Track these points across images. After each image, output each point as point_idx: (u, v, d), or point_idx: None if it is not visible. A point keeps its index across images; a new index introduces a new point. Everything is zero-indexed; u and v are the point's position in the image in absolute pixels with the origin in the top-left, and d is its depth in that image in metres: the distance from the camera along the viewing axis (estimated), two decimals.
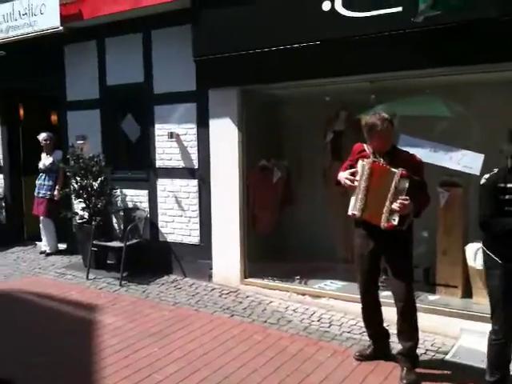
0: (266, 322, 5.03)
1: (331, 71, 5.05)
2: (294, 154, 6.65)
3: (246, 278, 6.04)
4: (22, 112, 8.76)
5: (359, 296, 4.12)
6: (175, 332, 4.78)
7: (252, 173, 6.19)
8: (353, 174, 3.87)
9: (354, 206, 3.85)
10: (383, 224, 3.70)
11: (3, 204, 8.69)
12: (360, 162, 3.83)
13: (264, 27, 5.32)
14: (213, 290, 6.04)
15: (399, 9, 4.49)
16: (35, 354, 4.35)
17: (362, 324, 4.76)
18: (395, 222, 3.67)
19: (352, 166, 3.95)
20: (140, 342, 4.54)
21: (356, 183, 3.82)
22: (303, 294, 5.58)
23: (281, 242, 6.53)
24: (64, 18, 6.81)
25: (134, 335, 4.71)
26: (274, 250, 6.37)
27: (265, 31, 5.31)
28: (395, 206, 3.63)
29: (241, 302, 5.59)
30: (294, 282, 5.85)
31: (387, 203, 3.67)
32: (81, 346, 4.54)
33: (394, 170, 3.67)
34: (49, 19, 6.91)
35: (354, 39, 4.79)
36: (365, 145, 3.94)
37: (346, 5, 4.80)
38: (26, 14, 7.19)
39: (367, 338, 4.29)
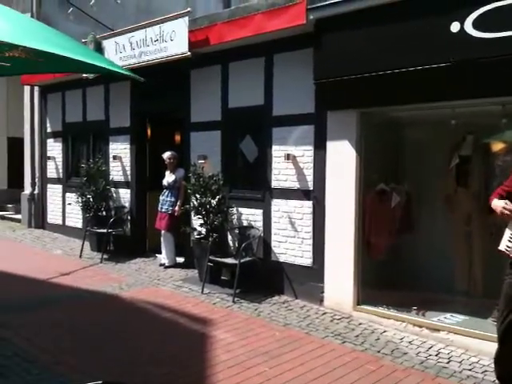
0: (379, 351, 4.86)
1: (460, 93, 4.84)
2: (415, 179, 6.39)
3: (358, 304, 5.89)
4: (149, 131, 9.32)
5: (483, 332, 3.83)
6: (286, 353, 4.76)
7: (369, 196, 6.06)
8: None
9: (506, 242, 3.57)
10: None
11: (129, 217, 9.25)
12: None
13: (387, 50, 5.25)
14: (324, 314, 5.96)
15: None
16: (152, 363, 4.55)
17: (484, 362, 4.47)
18: None
19: (509, 193, 3.68)
20: (251, 360, 4.59)
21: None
22: (420, 326, 5.32)
23: (397, 270, 6.28)
24: (192, 44, 7.22)
25: (245, 353, 4.77)
26: (389, 277, 6.15)
27: (387, 54, 5.24)
28: None
29: (353, 329, 5.45)
30: (410, 313, 5.60)
31: None
32: (194, 358, 4.69)
33: None
34: (178, 45, 7.37)
35: (484, 61, 4.58)
36: None
37: (476, 26, 4.62)
38: (157, 40, 7.74)
39: (490, 378, 3.99)
